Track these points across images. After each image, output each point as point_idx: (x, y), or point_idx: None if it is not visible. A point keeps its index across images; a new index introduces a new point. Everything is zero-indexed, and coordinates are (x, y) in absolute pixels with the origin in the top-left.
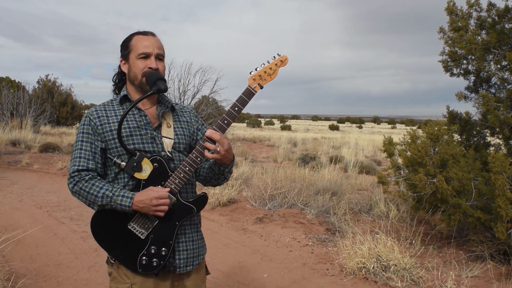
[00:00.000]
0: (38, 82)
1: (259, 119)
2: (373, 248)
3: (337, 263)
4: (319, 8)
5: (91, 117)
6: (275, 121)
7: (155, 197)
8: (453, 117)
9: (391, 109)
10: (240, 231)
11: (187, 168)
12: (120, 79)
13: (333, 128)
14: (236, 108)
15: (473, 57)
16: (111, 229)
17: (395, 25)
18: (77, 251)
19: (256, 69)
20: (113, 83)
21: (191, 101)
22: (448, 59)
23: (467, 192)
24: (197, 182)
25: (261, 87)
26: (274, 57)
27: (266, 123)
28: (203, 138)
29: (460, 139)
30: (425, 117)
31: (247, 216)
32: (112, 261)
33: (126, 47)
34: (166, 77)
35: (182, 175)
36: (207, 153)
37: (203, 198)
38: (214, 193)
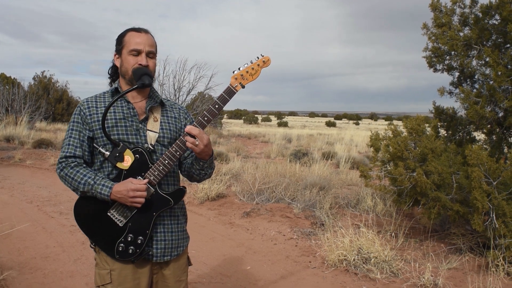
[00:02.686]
0: (34, 78)
1: (256, 115)
2: (355, 241)
3: (319, 256)
4: (319, 5)
5: (82, 107)
6: (272, 117)
7: (132, 189)
8: (439, 112)
9: (389, 105)
10: (227, 225)
11: (166, 162)
12: (115, 72)
13: (330, 124)
14: (217, 106)
15: (455, 53)
16: (92, 215)
17: (394, 22)
18: (65, 244)
19: (239, 69)
20: (108, 76)
21: (186, 97)
22: (432, 55)
23: (447, 186)
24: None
25: (243, 87)
26: (258, 57)
27: (263, 120)
28: (183, 133)
29: (446, 134)
30: (422, 114)
31: (234, 211)
32: (92, 246)
33: (120, 42)
34: (161, 74)
35: (161, 167)
36: (188, 143)
37: (181, 191)
38: (203, 188)
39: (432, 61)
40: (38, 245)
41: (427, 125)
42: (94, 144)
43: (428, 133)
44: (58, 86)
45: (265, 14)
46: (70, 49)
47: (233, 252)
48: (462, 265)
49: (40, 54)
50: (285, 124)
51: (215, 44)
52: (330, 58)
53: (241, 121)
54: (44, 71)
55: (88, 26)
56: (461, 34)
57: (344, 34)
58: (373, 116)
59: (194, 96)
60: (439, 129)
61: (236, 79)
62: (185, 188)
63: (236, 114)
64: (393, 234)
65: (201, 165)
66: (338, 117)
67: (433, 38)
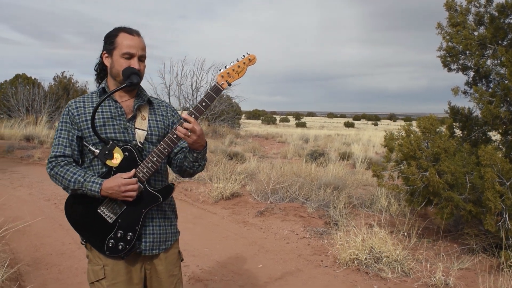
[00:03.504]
0: (54, 79)
1: (274, 116)
2: (367, 240)
3: (331, 255)
4: (338, 4)
5: (70, 108)
6: (290, 118)
7: (123, 184)
8: (454, 112)
9: (408, 106)
10: (241, 224)
11: (155, 159)
12: (102, 70)
13: (348, 125)
14: (204, 103)
15: (470, 53)
16: (82, 212)
17: (414, 21)
18: (80, 241)
19: (225, 67)
20: (95, 73)
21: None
22: (446, 54)
23: (460, 186)
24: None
25: (229, 84)
26: (243, 55)
27: (281, 120)
28: (171, 131)
29: (461, 135)
30: (442, 114)
31: (248, 210)
32: (83, 243)
33: (111, 42)
34: (179, 74)
35: (150, 164)
36: (179, 133)
37: (169, 188)
38: (218, 187)
39: (446, 61)
40: (54, 242)
41: (441, 125)
42: (84, 143)
43: (443, 132)
44: (78, 86)
45: (283, 14)
46: (89, 50)
47: (245, 250)
48: (474, 265)
49: (60, 55)
50: (303, 125)
51: (233, 44)
52: (349, 58)
53: (259, 121)
54: (64, 71)
55: (107, 27)
56: (476, 33)
57: (363, 34)
58: (392, 117)
59: None
60: (454, 129)
61: (222, 77)
62: (173, 185)
63: (254, 115)
64: (405, 234)
65: (195, 156)
66: (357, 117)
67: (448, 37)
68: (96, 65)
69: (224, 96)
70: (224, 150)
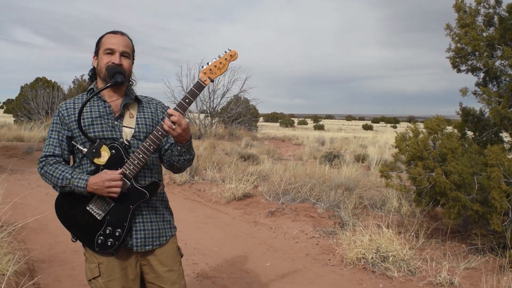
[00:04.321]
0: (73, 82)
1: (292, 118)
2: (374, 240)
3: (338, 254)
4: (357, 7)
5: (60, 109)
6: (308, 120)
7: (107, 179)
8: (466, 114)
9: (427, 108)
10: (251, 224)
11: (141, 156)
12: (93, 74)
13: (366, 127)
14: (187, 100)
15: (478, 54)
16: (72, 209)
17: (433, 23)
18: (71, 238)
19: (208, 64)
20: (88, 77)
21: (221, 100)
22: (455, 56)
23: (468, 186)
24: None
25: (212, 81)
26: (225, 52)
27: (300, 123)
28: (156, 128)
29: (473, 136)
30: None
31: (260, 210)
32: (73, 240)
33: (97, 44)
34: (196, 77)
35: (136, 161)
36: (165, 126)
37: (155, 184)
38: (230, 188)
39: (455, 62)
40: (68, 241)
41: (449, 126)
42: (73, 142)
43: (454, 133)
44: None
45: (302, 16)
46: None
47: (254, 249)
48: (481, 265)
49: (79, 58)
50: (321, 127)
51: (251, 47)
52: (368, 60)
53: (277, 124)
54: (83, 74)
55: (126, 30)
56: (485, 34)
57: (383, 36)
58: (411, 119)
59: (229, 99)
60: (466, 131)
61: (205, 73)
62: (159, 181)
63: (273, 117)
64: (413, 234)
65: (179, 150)
66: (376, 120)
67: (456, 38)
68: (89, 71)
69: (242, 99)
70: (239, 152)
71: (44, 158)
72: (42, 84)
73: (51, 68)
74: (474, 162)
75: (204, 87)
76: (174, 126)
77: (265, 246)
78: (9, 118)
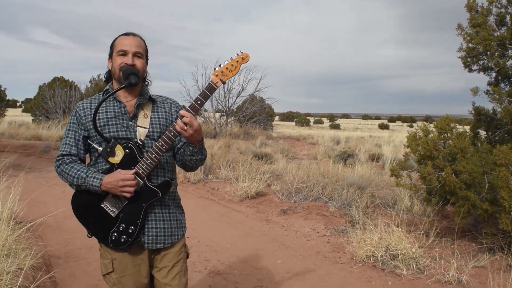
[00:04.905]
0: (90, 81)
1: (308, 118)
2: (384, 238)
3: (348, 252)
4: (374, 6)
5: (77, 109)
6: (324, 120)
7: (121, 179)
8: (478, 113)
9: (445, 107)
10: (264, 222)
11: (154, 155)
12: (109, 77)
13: (383, 127)
14: (199, 102)
15: (489, 53)
16: (87, 207)
17: (451, 22)
18: (86, 234)
19: (220, 66)
20: (104, 79)
21: (236, 99)
22: (466, 55)
23: (478, 185)
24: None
25: (223, 83)
26: (237, 54)
27: (315, 122)
28: (169, 128)
29: (485, 135)
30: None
31: (272, 208)
32: (89, 236)
33: (111, 47)
34: (211, 76)
35: (149, 161)
36: (177, 127)
37: (167, 183)
38: (243, 186)
39: (467, 61)
40: (84, 237)
41: (458, 125)
42: (89, 141)
43: (464, 132)
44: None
45: (319, 15)
46: None
47: (266, 247)
48: (490, 264)
49: (97, 58)
50: (337, 127)
51: (268, 46)
52: (384, 59)
53: (293, 123)
54: (100, 74)
55: (144, 30)
56: (496, 34)
57: (400, 35)
58: (428, 119)
59: (244, 98)
60: (478, 130)
61: (217, 75)
62: (171, 180)
63: (288, 117)
64: (422, 233)
65: (191, 150)
66: (392, 119)
67: (468, 38)
68: (105, 74)
69: (257, 98)
70: (253, 151)
71: (60, 157)
72: (59, 84)
73: (69, 68)
74: (484, 162)
75: (216, 89)
76: (186, 127)
77: (276, 244)
78: (28, 117)
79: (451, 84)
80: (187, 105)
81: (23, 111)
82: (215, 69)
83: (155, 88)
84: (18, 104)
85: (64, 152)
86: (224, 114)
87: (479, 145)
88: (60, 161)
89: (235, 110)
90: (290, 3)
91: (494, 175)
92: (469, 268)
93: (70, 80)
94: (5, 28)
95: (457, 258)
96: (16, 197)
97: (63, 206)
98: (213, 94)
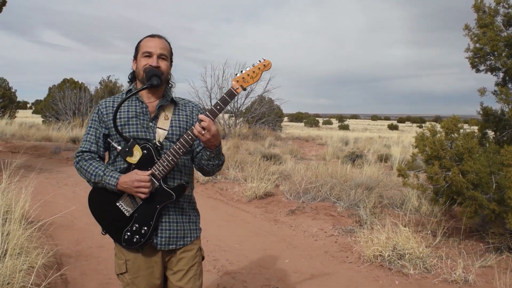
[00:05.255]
0: (100, 83)
1: (317, 118)
2: (392, 238)
3: (356, 251)
4: (383, 6)
5: (100, 107)
6: (333, 120)
7: (136, 180)
8: (486, 113)
9: (455, 108)
10: (272, 222)
11: (170, 158)
12: (133, 77)
13: (392, 127)
14: (218, 107)
15: (496, 54)
16: (103, 204)
17: (461, 22)
18: (101, 231)
19: (241, 72)
20: (128, 80)
21: (245, 100)
22: (474, 56)
23: (485, 185)
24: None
25: (244, 89)
26: (259, 61)
27: (324, 123)
28: (187, 132)
29: (494, 135)
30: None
31: (281, 209)
32: (103, 233)
33: (136, 48)
34: (220, 77)
35: (165, 163)
36: (195, 131)
37: (182, 187)
38: (251, 187)
39: (474, 62)
40: (95, 236)
41: (466, 125)
42: (109, 140)
43: (471, 133)
44: (123, 89)
45: (328, 16)
46: None
47: (274, 247)
48: (497, 263)
49: (107, 60)
50: (346, 127)
51: (277, 47)
52: (394, 59)
53: (302, 124)
54: (110, 75)
55: (154, 31)
56: (504, 34)
57: (409, 35)
58: (438, 119)
59: (253, 99)
60: (487, 130)
61: (237, 81)
62: (187, 183)
63: (297, 117)
64: (429, 232)
65: (208, 155)
66: (401, 120)
67: (475, 38)
68: (129, 75)
69: (266, 99)
70: (262, 152)
71: (80, 153)
72: (69, 85)
73: (78, 69)
74: (492, 162)
75: (236, 95)
76: (203, 132)
77: (284, 244)
78: (38, 119)
79: (461, 84)
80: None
81: (33, 112)
82: (236, 74)
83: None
84: (28, 105)
85: (84, 149)
86: (233, 115)
87: (487, 145)
88: (79, 157)
89: (244, 111)
90: (299, 4)
91: (501, 175)
92: (475, 268)
93: (80, 82)
94: (16, 30)
95: (464, 258)
96: (27, 197)
97: (73, 206)
98: (232, 101)
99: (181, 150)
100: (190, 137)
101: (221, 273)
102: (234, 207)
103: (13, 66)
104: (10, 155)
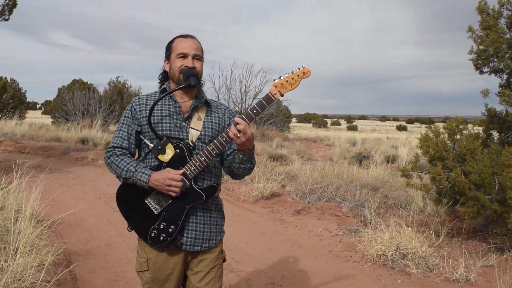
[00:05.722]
0: (108, 83)
1: (325, 119)
2: (395, 238)
3: (360, 251)
4: (391, 7)
5: (133, 104)
6: (341, 121)
7: (168, 178)
8: (491, 114)
9: (464, 109)
10: (277, 222)
11: (203, 158)
12: (165, 77)
13: (400, 128)
14: (255, 111)
15: (500, 55)
16: (131, 201)
17: (470, 22)
18: (126, 235)
19: (279, 78)
20: (159, 81)
21: (253, 100)
22: (477, 58)
23: (488, 186)
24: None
25: (282, 95)
26: (298, 68)
27: (333, 124)
28: (221, 134)
29: (498, 136)
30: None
31: (286, 209)
32: (129, 229)
33: (168, 48)
34: (228, 78)
35: (198, 163)
36: (230, 133)
37: (212, 188)
38: (258, 187)
39: (478, 63)
40: (103, 235)
41: (470, 125)
42: (141, 137)
43: (474, 134)
44: (132, 90)
45: (336, 17)
46: (145, 55)
47: (279, 246)
48: (499, 263)
49: (116, 61)
50: (354, 128)
51: (285, 48)
52: (402, 60)
53: (310, 125)
54: (119, 76)
55: (162, 32)
56: (507, 36)
57: (417, 36)
58: (446, 120)
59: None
60: (491, 131)
61: (276, 87)
62: (217, 185)
63: (306, 118)
64: (432, 232)
65: (241, 158)
66: (410, 121)
67: (479, 41)
68: (159, 75)
69: (274, 100)
70: (269, 152)
71: (111, 149)
72: (78, 86)
73: (88, 70)
74: (494, 163)
75: (274, 100)
76: (239, 134)
77: (289, 243)
78: (47, 119)
79: (470, 85)
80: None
81: (42, 113)
82: (274, 80)
83: None
84: (38, 106)
85: (115, 144)
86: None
87: (492, 146)
88: (110, 152)
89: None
90: (307, 5)
91: (504, 175)
92: (477, 267)
93: (89, 83)
94: (25, 31)
95: (466, 257)
96: (37, 197)
97: (82, 206)
98: (269, 106)
99: (214, 152)
100: (224, 139)
101: (227, 271)
102: (241, 207)
103: (22, 67)
104: (21, 155)
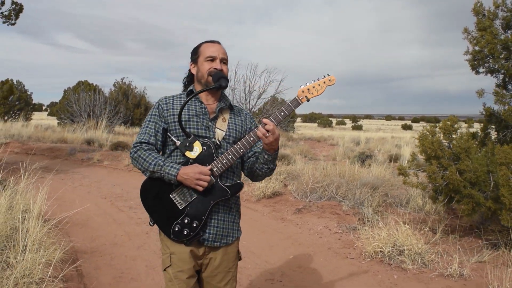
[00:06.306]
0: (114, 85)
1: (330, 119)
2: (392, 235)
3: (358, 248)
4: (396, 6)
5: (161, 103)
6: (347, 121)
7: (198, 172)
8: (489, 114)
9: (469, 107)
10: (279, 220)
11: (230, 156)
12: (190, 81)
13: (406, 127)
14: (282, 113)
15: (494, 56)
16: (156, 195)
17: (475, 20)
18: (131, 233)
19: (306, 84)
20: (183, 84)
21: (257, 101)
22: (473, 58)
23: (482, 184)
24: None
25: (308, 100)
26: (324, 76)
27: (338, 123)
28: (248, 134)
29: (496, 136)
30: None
31: (288, 208)
32: (151, 224)
33: (195, 52)
34: (232, 78)
35: (224, 161)
36: (259, 133)
37: (238, 185)
38: (260, 186)
39: (473, 64)
40: (108, 234)
41: (465, 124)
42: (168, 134)
43: (469, 133)
44: (137, 91)
45: (341, 17)
46: (149, 56)
47: (280, 243)
48: (493, 259)
49: (120, 62)
50: (359, 128)
51: (290, 48)
52: (408, 59)
53: (315, 124)
54: (124, 77)
55: (166, 33)
56: (502, 37)
57: (423, 35)
58: (442, 120)
59: (265, 100)
60: (489, 130)
61: (303, 92)
62: (242, 183)
63: (311, 118)
64: (428, 229)
65: (265, 158)
66: (416, 120)
67: (474, 42)
68: (184, 79)
69: (279, 100)
70: None
71: (138, 144)
72: (84, 88)
73: (93, 72)
74: (490, 161)
75: (300, 104)
76: (267, 134)
77: (290, 241)
78: (53, 121)
79: (476, 84)
80: None
81: (48, 114)
82: (301, 86)
83: (177, 90)
84: (43, 107)
85: (143, 140)
86: None
87: (490, 145)
88: (138, 147)
89: (256, 112)
90: (311, 5)
91: (498, 173)
92: (471, 263)
93: (94, 84)
94: (31, 33)
95: (460, 253)
96: (44, 197)
97: (88, 206)
98: (295, 109)
99: (241, 150)
100: (252, 139)
101: None
102: (243, 206)
103: (28, 69)
104: (28, 156)
